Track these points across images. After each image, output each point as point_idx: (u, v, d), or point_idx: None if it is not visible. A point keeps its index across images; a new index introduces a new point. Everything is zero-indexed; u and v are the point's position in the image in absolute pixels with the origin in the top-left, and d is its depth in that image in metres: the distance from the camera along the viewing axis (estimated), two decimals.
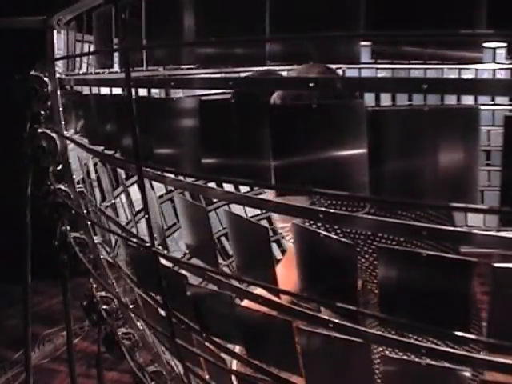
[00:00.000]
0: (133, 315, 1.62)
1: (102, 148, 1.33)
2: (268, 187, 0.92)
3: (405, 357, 0.94)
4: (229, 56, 0.96)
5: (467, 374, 0.83)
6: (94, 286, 1.73)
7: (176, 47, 1.05)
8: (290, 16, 0.85)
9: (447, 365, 0.84)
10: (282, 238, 2.37)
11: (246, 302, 1.15)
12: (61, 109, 1.51)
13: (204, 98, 1.01)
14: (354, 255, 0.87)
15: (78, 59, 1.51)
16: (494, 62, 2.59)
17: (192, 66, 1.48)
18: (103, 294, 1.69)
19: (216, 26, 0.94)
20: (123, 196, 1.69)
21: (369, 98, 2.61)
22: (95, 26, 1.27)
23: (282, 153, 0.88)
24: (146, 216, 1.15)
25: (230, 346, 1.21)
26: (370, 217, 0.90)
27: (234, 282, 1.09)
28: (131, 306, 1.55)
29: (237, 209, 1.94)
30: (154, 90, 1.98)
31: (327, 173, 0.84)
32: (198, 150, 0.99)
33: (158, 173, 1.11)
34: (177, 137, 1.05)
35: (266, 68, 1.31)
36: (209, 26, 0.95)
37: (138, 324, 1.66)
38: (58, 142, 1.58)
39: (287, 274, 1.02)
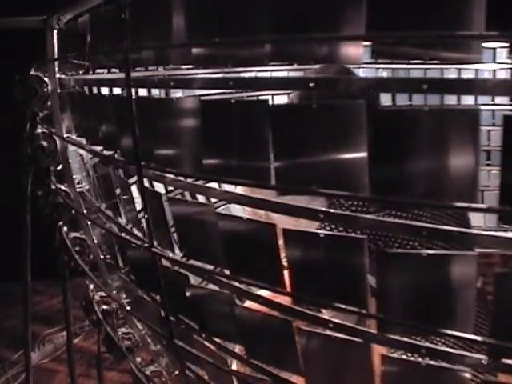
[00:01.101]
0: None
1: (101, 148, 1.33)
2: (269, 187, 0.92)
3: (404, 357, 0.94)
4: (228, 56, 0.96)
5: (467, 374, 0.83)
6: (92, 286, 1.73)
7: (176, 47, 1.05)
8: (290, 16, 0.85)
9: (447, 365, 0.84)
10: None
11: (248, 304, 1.14)
12: (61, 109, 1.51)
13: (203, 98, 1.01)
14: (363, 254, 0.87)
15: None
16: (494, 62, 2.59)
17: (191, 66, 1.48)
18: (103, 294, 1.69)
19: (215, 26, 0.94)
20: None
21: None
22: (91, 26, 1.27)
23: (283, 152, 0.88)
24: (146, 216, 1.15)
25: (229, 345, 1.21)
26: (370, 217, 0.90)
27: (235, 283, 1.08)
28: (128, 308, 1.55)
29: (237, 209, 1.93)
30: (154, 90, 1.98)
31: (329, 173, 0.84)
32: (198, 150, 0.99)
33: (158, 173, 1.11)
34: (177, 137, 1.05)
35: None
36: (207, 26, 0.95)
37: (138, 324, 1.66)
38: (57, 141, 1.58)
39: None
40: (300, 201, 0.94)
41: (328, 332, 0.94)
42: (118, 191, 1.34)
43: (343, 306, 0.90)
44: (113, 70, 1.45)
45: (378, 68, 2.70)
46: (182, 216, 1.13)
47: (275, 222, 0.96)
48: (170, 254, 1.18)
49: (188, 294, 1.18)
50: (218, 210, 1.08)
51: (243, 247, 1.02)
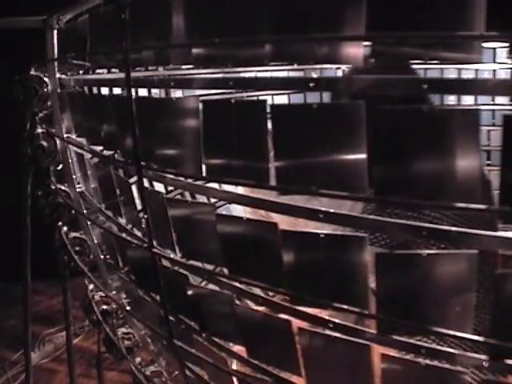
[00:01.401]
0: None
1: (101, 148, 1.33)
2: (269, 188, 0.92)
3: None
4: (228, 56, 0.96)
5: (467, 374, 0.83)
6: (91, 286, 1.73)
7: (176, 48, 1.05)
8: (291, 16, 0.85)
9: (447, 365, 0.84)
10: None
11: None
12: (60, 109, 1.51)
13: (203, 98, 1.01)
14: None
15: None
16: (494, 62, 2.58)
17: (191, 66, 1.48)
18: (103, 294, 1.68)
19: (215, 26, 0.94)
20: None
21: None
22: (91, 26, 1.27)
23: (283, 153, 0.88)
24: (146, 216, 1.15)
25: (229, 345, 1.21)
26: (369, 217, 0.90)
27: (235, 282, 1.08)
28: (128, 308, 1.55)
29: (237, 209, 1.93)
30: (154, 90, 1.97)
31: (329, 174, 0.84)
32: (198, 151, 0.99)
33: (158, 173, 1.11)
34: (177, 137, 1.05)
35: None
36: (207, 26, 0.95)
37: (138, 324, 1.66)
38: (57, 141, 1.58)
39: None
40: (298, 200, 0.93)
41: (328, 332, 0.94)
42: (118, 191, 1.34)
43: (345, 307, 0.90)
44: (113, 70, 1.45)
45: None
46: (180, 216, 1.13)
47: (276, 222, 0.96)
48: (172, 255, 1.18)
49: (188, 294, 1.18)
50: (217, 209, 1.08)
51: (244, 247, 1.02)
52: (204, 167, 0.99)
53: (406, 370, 0.88)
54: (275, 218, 1.08)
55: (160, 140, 1.08)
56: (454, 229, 0.79)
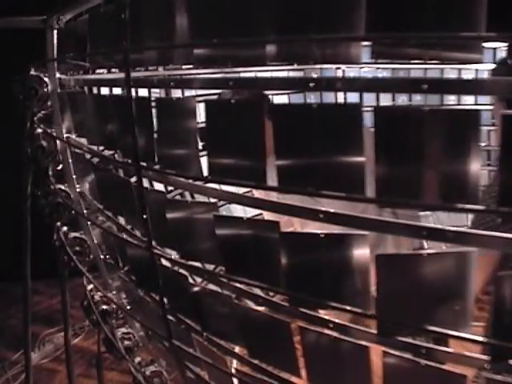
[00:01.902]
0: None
1: (101, 148, 1.33)
2: (270, 189, 0.92)
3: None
4: (230, 56, 0.96)
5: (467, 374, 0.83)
6: (91, 286, 1.72)
7: (175, 48, 1.05)
8: (291, 17, 0.85)
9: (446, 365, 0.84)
10: None
11: None
12: (60, 109, 1.51)
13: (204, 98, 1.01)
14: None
15: None
16: (494, 62, 2.58)
17: (191, 66, 1.48)
18: (103, 294, 1.68)
19: (216, 27, 0.94)
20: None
21: (369, 98, 2.61)
22: (91, 26, 1.27)
23: (284, 153, 0.88)
24: (145, 216, 1.15)
25: (229, 345, 1.21)
26: (370, 217, 0.90)
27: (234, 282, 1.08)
28: (128, 308, 1.55)
29: (238, 209, 1.93)
30: (154, 90, 1.97)
31: (329, 174, 0.84)
32: (197, 150, 0.99)
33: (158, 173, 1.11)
34: (176, 137, 1.05)
35: None
36: (209, 27, 0.95)
37: (138, 324, 1.66)
38: (57, 141, 1.58)
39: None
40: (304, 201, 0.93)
41: (327, 332, 0.94)
42: (118, 191, 1.34)
43: (348, 308, 0.90)
44: (113, 70, 1.45)
45: (377, 68, 2.70)
46: (180, 216, 1.13)
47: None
48: (172, 256, 1.18)
49: (187, 293, 1.18)
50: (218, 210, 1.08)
51: (242, 247, 1.02)
52: (204, 167, 0.99)
53: (405, 369, 0.88)
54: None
55: (159, 140, 1.07)
56: (452, 229, 0.79)
